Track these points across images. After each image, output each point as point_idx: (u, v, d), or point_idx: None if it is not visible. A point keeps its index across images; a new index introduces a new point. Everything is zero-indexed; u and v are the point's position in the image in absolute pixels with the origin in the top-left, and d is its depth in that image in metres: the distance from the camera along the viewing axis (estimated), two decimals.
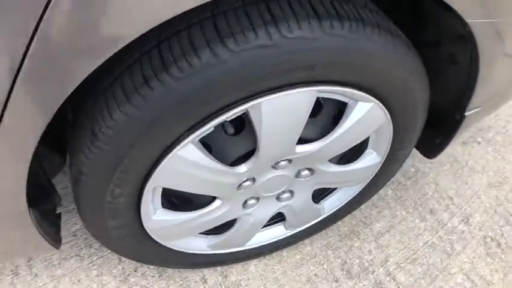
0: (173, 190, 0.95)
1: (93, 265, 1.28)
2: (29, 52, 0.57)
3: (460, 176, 1.60)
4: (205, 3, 0.70)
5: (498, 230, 1.45)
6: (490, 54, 0.96)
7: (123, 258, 1.29)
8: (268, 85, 0.77)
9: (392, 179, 1.58)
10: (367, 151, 1.13)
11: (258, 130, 0.85)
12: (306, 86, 0.81)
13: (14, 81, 0.60)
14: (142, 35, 0.75)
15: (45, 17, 0.55)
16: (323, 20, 0.74)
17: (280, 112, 0.83)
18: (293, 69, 0.75)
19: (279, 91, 0.79)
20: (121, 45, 0.62)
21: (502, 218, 1.48)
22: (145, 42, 0.74)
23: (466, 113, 1.13)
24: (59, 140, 1.02)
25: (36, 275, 1.25)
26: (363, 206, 1.49)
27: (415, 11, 1.05)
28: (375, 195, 1.53)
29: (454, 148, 1.68)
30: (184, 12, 0.71)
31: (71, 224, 1.33)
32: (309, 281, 1.32)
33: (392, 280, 1.33)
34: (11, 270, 1.25)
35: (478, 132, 1.73)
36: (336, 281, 1.33)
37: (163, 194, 1.02)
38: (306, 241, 1.41)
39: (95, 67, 0.63)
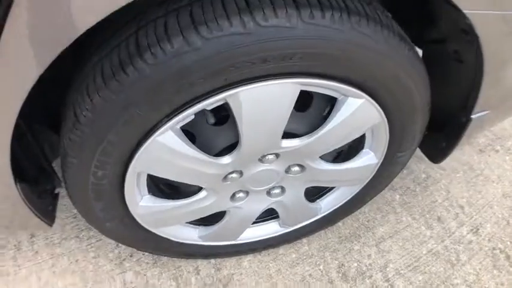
0: (161, 178, 0.97)
1: (91, 247, 1.32)
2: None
3: (473, 184, 1.52)
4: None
5: (508, 242, 1.37)
6: (495, 51, 0.91)
7: (120, 244, 1.32)
8: (245, 74, 0.76)
9: (401, 184, 1.54)
10: (363, 151, 1.10)
11: (239, 121, 0.84)
12: (286, 78, 0.79)
13: None
14: (123, 20, 0.77)
15: None
16: (302, 8, 0.72)
17: (260, 104, 0.82)
18: (269, 59, 0.74)
19: (258, 81, 0.78)
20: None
21: None
22: (125, 29, 0.75)
23: (473, 116, 1.08)
24: (60, 123, 1.06)
25: (36, 252, 1.30)
26: (366, 209, 1.46)
27: (418, 5, 1.01)
28: (381, 199, 1.49)
29: (470, 156, 1.60)
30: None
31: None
32: (302, 281, 1.30)
33: (390, 287, 1.29)
34: (14, 245, 1.32)
35: (497, 140, 1.64)
36: (331, 283, 1.30)
37: (153, 181, 1.05)
38: (304, 241, 1.39)
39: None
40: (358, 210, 1.45)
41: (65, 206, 1.39)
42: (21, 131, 0.95)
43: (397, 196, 1.50)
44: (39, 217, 0.99)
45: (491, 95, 1.03)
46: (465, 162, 1.58)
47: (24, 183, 0.92)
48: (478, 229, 1.41)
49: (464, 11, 0.80)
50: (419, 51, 1.17)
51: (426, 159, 1.48)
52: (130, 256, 1.31)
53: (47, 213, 1.04)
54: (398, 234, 1.41)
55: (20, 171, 0.93)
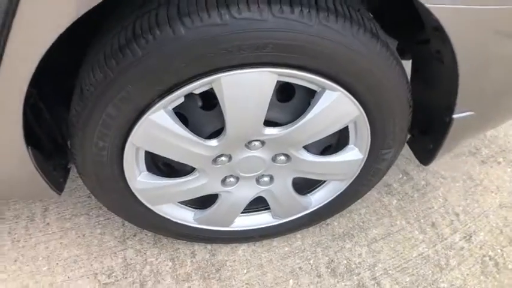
0: (159, 157, 1.12)
1: (99, 224, 1.49)
2: None
3: (471, 194, 1.58)
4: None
5: (499, 250, 1.42)
6: (466, 48, 0.98)
7: (126, 223, 1.49)
8: (224, 62, 0.89)
9: (399, 189, 1.62)
10: (348, 146, 1.21)
11: (223, 106, 0.98)
12: (261, 67, 0.92)
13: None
14: (124, 12, 0.94)
15: None
16: (273, 3, 0.85)
17: (240, 90, 0.95)
18: (244, 48, 0.87)
19: (237, 68, 0.92)
20: None
21: (507, 239, 1.44)
22: (125, 20, 0.92)
23: (454, 116, 1.15)
24: None
25: (48, 224, 1.49)
26: (363, 211, 1.54)
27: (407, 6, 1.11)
28: (378, 203, 1.57)
29: (472, 166, 1.66)
30: None
31: None
32: (291, 273, 1.40)
33: (376, 285, 1.36)
34: (27, 216, 1.51)
35: (501, 152, 1.69)
36: (319, 277, 1.39)
37: (153, 160, 1.20)
38: (298, 236, 1.49)
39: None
40: (354, 212, 1.54)
41: (79, 185, 1.57)
42: (40, 111, 1.14)
43: (395, 201, 1.58)
44: (48, 184, 1.16)
45: (470, 94, 1.10)
46: (465, 172, 1.64)
47: (38, 152, 1.09)
48: (471, 236, 1.46)
49: (426, 5, 0.89)
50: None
51: (427, 167, 1.56)
52: (134, 236, 1.47)
53: (58, 184, 1.21)
54: (390, 236, 1.48)
55: (38, 145, 1.10)
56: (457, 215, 1.53)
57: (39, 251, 1.44)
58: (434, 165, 1.68)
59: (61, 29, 0.81)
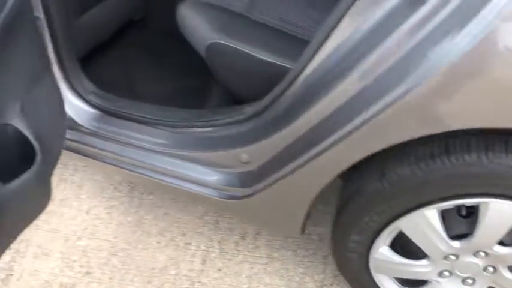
0: (404, 239, 1.53)
1: (303, 264, 1.90)
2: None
3: None
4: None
5: None
6: None
7: (327, 270, 1.88)
8: (498, 191, 1.30)
9: None
10: None
11: (479, 221, 1.37)
12: None
13: None
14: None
15: None
16: None
17: (498, 215, 1.34)
18: None
19: (504, 198, 1.31)
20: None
21: None
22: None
23: None
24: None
25: (257, 247, 1.90)
26: None
27: None
28: None
29: None
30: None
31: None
32: None
33: None
34: (240, 233, 1.94)
35: None
36: None
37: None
38: None
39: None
40: None
41: None
42: None
43: None
44: (300, 225, 1.62)
45: None
46: None
47: None
48: None
49: None
50: None
51: None
52: (331, 284, 1.85)
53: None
54: None
55: None
56: None
57: (244, 269, 1.87)
58: None
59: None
